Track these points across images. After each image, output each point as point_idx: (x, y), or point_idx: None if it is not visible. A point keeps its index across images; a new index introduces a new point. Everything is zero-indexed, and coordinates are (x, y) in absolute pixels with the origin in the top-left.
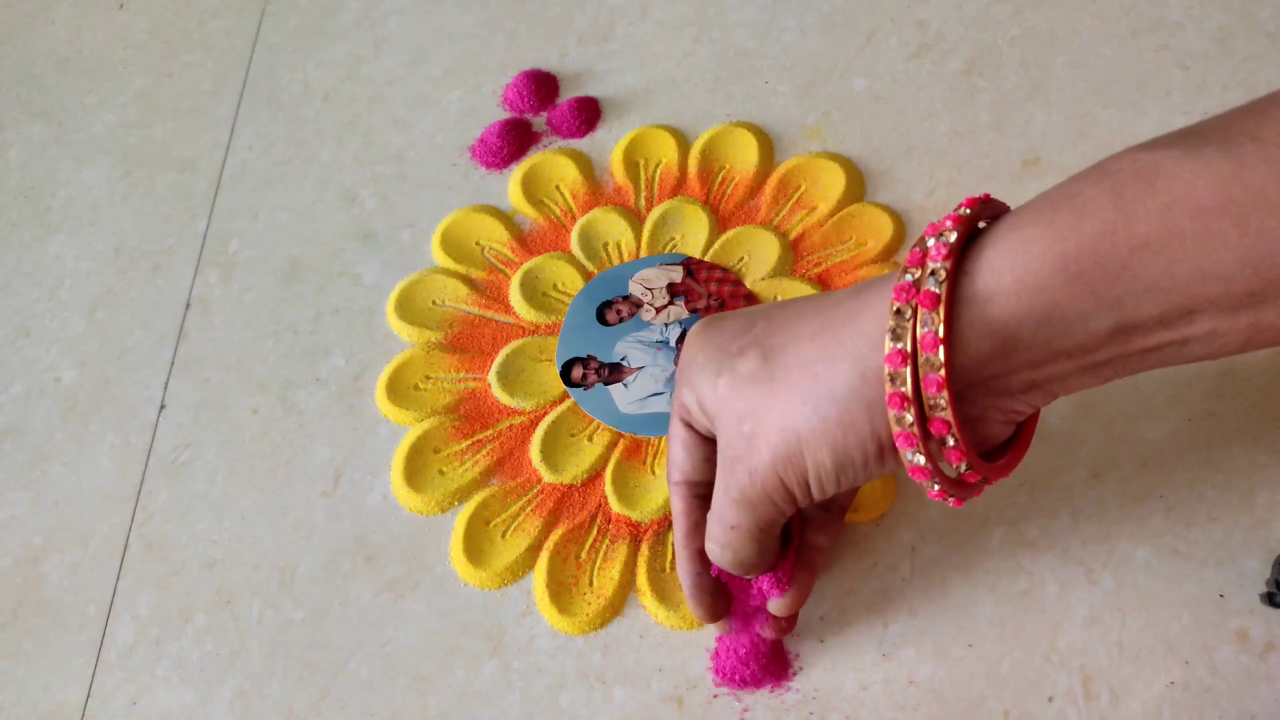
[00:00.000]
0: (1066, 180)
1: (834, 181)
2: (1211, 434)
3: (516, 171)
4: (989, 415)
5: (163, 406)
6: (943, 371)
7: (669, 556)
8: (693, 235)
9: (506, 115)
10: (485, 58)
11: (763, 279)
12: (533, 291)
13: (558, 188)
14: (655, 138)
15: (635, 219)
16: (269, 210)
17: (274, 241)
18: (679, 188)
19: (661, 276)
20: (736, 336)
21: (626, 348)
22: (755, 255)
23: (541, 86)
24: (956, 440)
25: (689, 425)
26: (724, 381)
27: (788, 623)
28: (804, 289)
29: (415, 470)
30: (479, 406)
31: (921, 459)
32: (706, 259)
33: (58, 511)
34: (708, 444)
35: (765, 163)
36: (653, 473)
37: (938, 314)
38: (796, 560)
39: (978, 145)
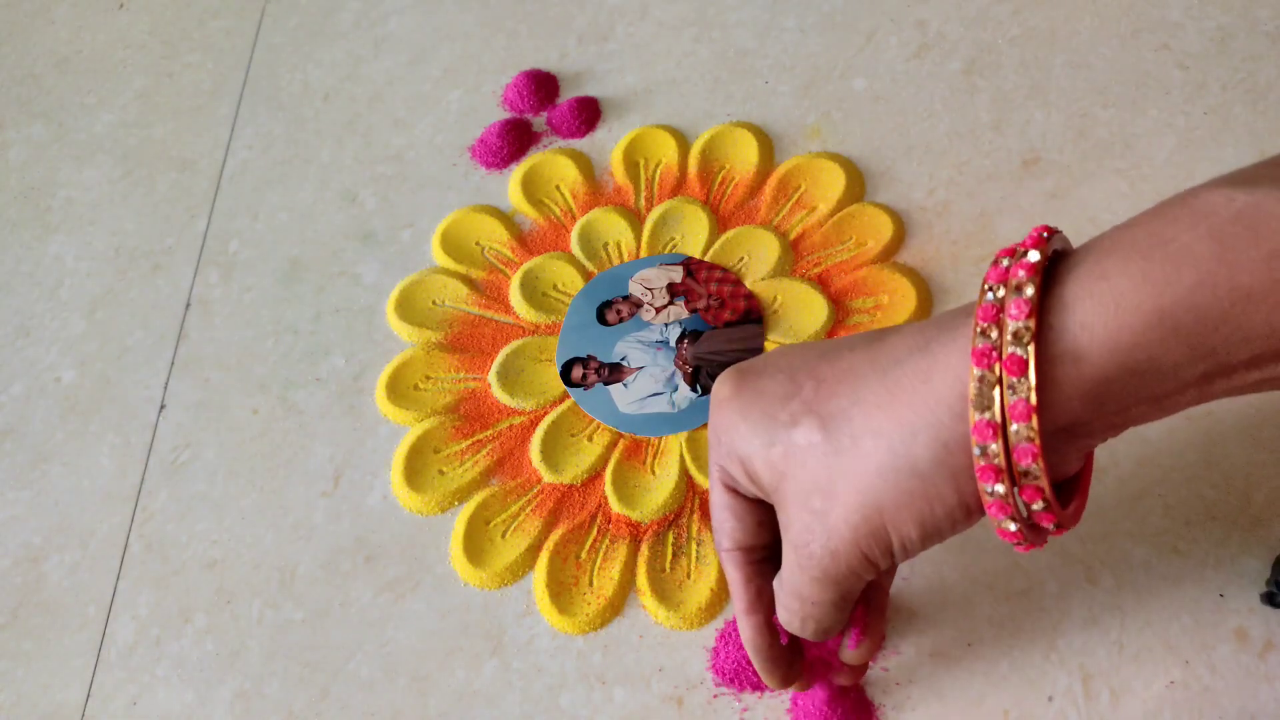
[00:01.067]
0: (1149, 216)
1: (834, 181)
2: (1210, 433)
3: (516, 171)
4: (1068, 458)
5: (163, 406)
6: (1036, 440)
7: (669, 556)
8: (693, 235)
9: (506, 115)
10: (485, 58)
11: (763, 279)
12: (533, 291)
13: (558, 188)
14: (655, 138)
15: (635, 219)
16: (269, 210)
17: (274, 241)
18: (679, 188)
19: (661, 276)
20: (784, 402)
21: (626, 348)
22: (755, 255)
23: (541, 86)
24: (1048, 504)
25: (734, 491)
26: (778, 452)
27: (862, 669)
28: (804, 289)
29: (415, 470)
30: (479, 406)
31: (1014, 526)
32: (706, 259)
33: (58, 511)
34: (759, 508)
35: (765, 163)
36: (652, 473)
37: (1027, 380)
38: (865, 607)
39: (978, 145)
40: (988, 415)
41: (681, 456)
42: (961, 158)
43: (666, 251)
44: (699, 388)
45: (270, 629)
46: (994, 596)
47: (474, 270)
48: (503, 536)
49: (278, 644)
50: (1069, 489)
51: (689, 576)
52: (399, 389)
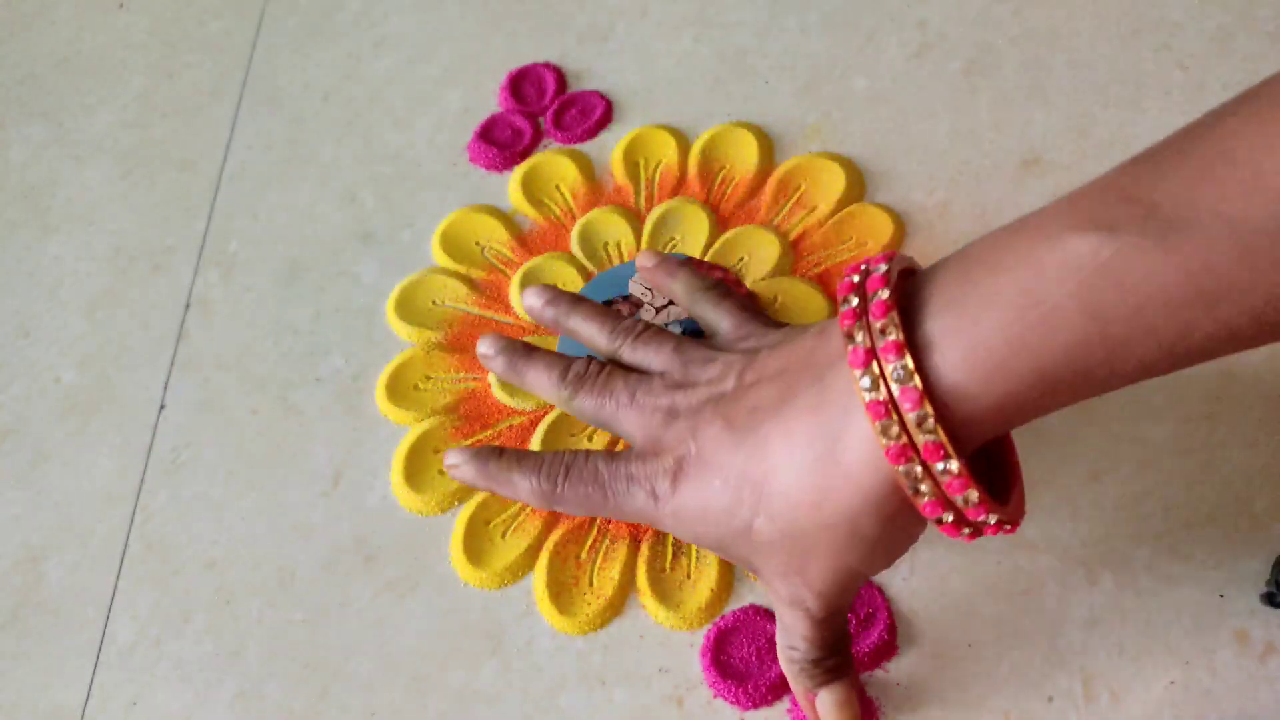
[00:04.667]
0: (1015, 261)
1: (834, 181)
2: (1210, 435)
3: (516, 172)
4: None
5: (163, 406)
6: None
7: (669, 556)
8: (693, 235)
9: (506, 115)
10: (485, 58)
11: (763, 279)
12: None
13: (558, 188)
14: (655, 138)
15: (635, 219)
16: (269, 210)
17: (274, 241)
18: (679, 188)
19: None
20: (732, 515)
21: None
22: (755, 255)
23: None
24: (981, 499)
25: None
26: (743, 554)
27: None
28: (804, 289)
29: (415, 470)
30: (479, 406)
31: (950, 517)
32: (707, 259)
33: (58, 511)
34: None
35: (765, 163)
36: None
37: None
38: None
39: (978, 145)
40: (904, 471)
41: None
42: (961, 158)
43: (667, 251)
44: None
45: (270, 629)
46: (994, 597)
47: (474, 270)
48: (503, 536)
49: (278, 644)
50: (1002, 484)
51: (689, 576)
52: (399, 389)
